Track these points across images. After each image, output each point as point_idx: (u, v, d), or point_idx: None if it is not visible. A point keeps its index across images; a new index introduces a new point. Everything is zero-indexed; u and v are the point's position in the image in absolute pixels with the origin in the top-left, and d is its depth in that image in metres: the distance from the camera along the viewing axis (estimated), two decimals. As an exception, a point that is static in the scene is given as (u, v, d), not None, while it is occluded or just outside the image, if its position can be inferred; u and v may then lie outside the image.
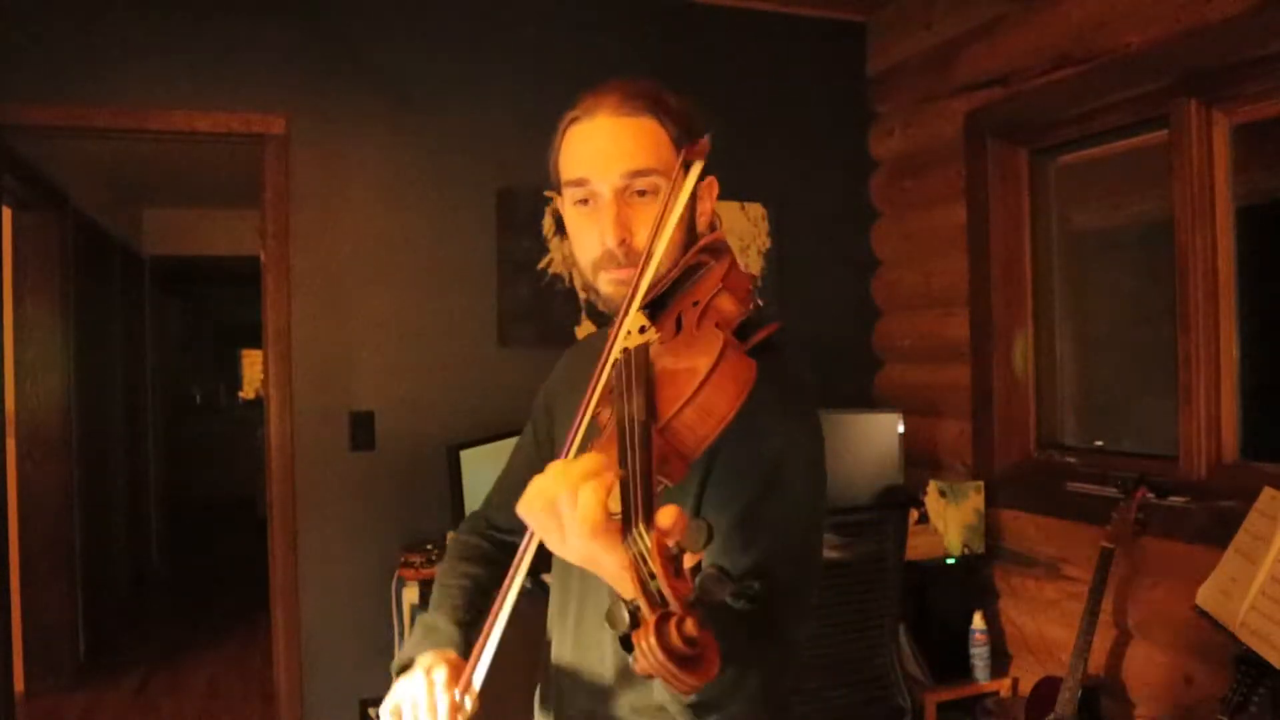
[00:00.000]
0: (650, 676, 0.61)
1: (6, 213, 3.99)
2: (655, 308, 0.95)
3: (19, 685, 3.75)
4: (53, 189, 4.08)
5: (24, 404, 3.99)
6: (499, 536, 1.32)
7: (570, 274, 3.15)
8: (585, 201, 1.06)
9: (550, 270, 3.14)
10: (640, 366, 0.80)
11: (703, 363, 0.78)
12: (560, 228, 3.14)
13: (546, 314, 3.12)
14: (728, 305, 0.92)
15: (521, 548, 0.93)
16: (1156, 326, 2.61)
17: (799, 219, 3.46)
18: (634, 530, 0.65)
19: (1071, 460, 2.86)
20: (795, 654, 0.96)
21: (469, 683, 1.00)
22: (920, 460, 3.29)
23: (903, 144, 3.41)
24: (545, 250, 3.13)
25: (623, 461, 0.72)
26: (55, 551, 4.14)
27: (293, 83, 2.91)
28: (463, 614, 1.17)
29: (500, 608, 0.98)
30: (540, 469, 1.25)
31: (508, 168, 3.08)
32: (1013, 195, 3.01)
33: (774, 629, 0.91)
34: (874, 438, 3.11)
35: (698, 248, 1.01)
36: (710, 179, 1.10)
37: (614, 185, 1.03)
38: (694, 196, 1.06)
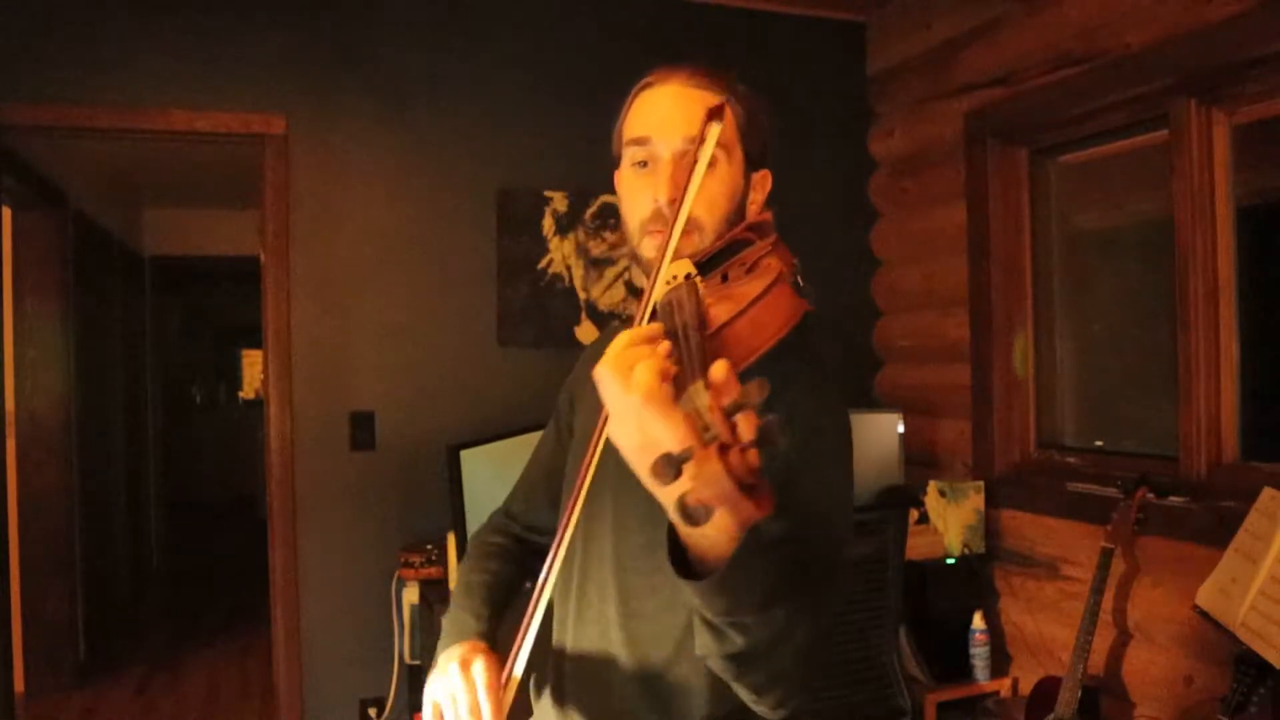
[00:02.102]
0: (692, 513, 0.64)
1: (6, 213, 3.99)
2: (702, 271, 0.98)
3: (19, 685, 3.75)
4: (53, 189, 4.08)
5: (24, 404, 3.99)
6: (522, 533, 1.34)
7: (569, 273, 3.15)
8: (644, 164, 1.09)
9: (550, 270, 3.14)
10: (691, 293, 0.85)
11: (757, 282, 0.83)
12: (560, 228, 3.13)
13: (546, 314, 3.12)
14: (774, 265, 0.94)
15: (560, 528, 0.95)
16: (1156, 326, 2.61)
17: (799, 219, 3.44)
18: (690, 388, 0.68)
19: (1071, 460, 2.86)
20: (828, 624, 0.98)
21: (509, 672, 1.02)
22: (920, 460, 3.29)
23: (903, 144, 3.41)
24: (545, 250, 3.13)
25: (677, 357, 0.76)
26: (55, 551, 4.14)
27: (293, 83, 2.91)
28: (485, 608, 1.18)
29: (541, 590, 0.99)
30: (562, 461, 1.27)
31: (508, 168, 3.08)
32: (1013, 195, 3.01)
33: (812, 592, 0.92)
34: (874, 438, 3.11)
35: (745, 224, 1.05)
36: (765, 172, 1.15)
37: (674, 147, 1.05)
38: (746, 184, 1.11)
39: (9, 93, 2.66)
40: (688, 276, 0.93)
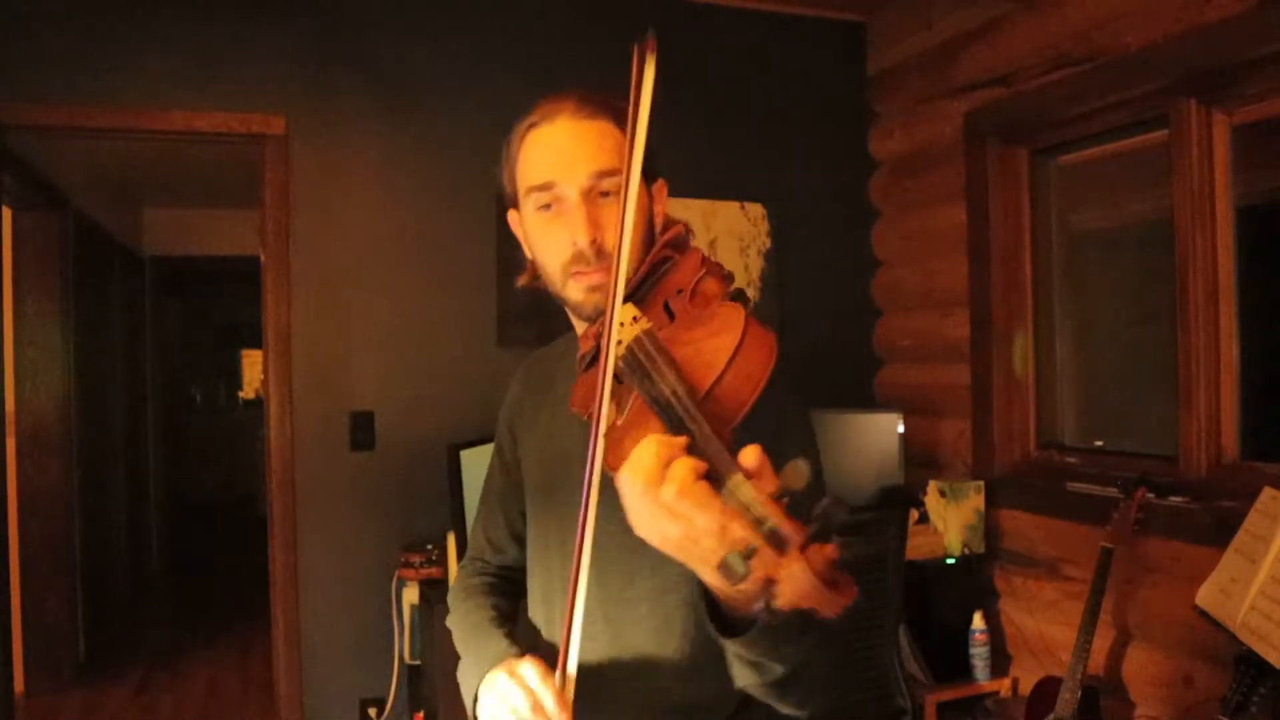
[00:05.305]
0: (784, 617, 0.65)
1: (6, 213, 3.99)
2: (638, 303, 0.97)
3: (19, 685, 3.76)
4: (53, 189, 4.08)
5: (24, 404, 3.99)
6: (500, 570, 1.33)
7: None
8: (549, 206, 1.07)
9: (550, 270, 3.13)
10: (658, 348, 0.83)
11: (729, 333, 0.81)
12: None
13: (546, 314, 3.09)
14: (715, 288, 0.94)
15: (581, 513, 0.90)
16: (1156, 326, 2.61)
17: (799, 219, 3.46)
18: (730, 481, 0.68)
19: (1071, 460, 2.86)
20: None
21: (564, 669, 0.95)
22: (920, 460, 3.29)
23: (903, 144, 3.41)
24: (545, 250, 3.13)
25: (677, 433, 0.75)
26: (55, 551, 4.14)
27: (293, 83, 2.90)
28: (505, 629, 1.16)
29: (576, 581, 0.93)
30: (516, 497, 1.26)
31: (508, 168, 3.07)
32: (1013, 195, 3.01)
33: None
34: (874, 438, 3.11)
35: (663, 241, 1.03)
36: (661, 181, 1.12)
37: (581, 186, 1.04)
38: (650, 198, 1.08)
39: (9, 93, 2.66)
40: (635, 319, 0.90)
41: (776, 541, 0.64)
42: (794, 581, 0.63)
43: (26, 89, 2.67)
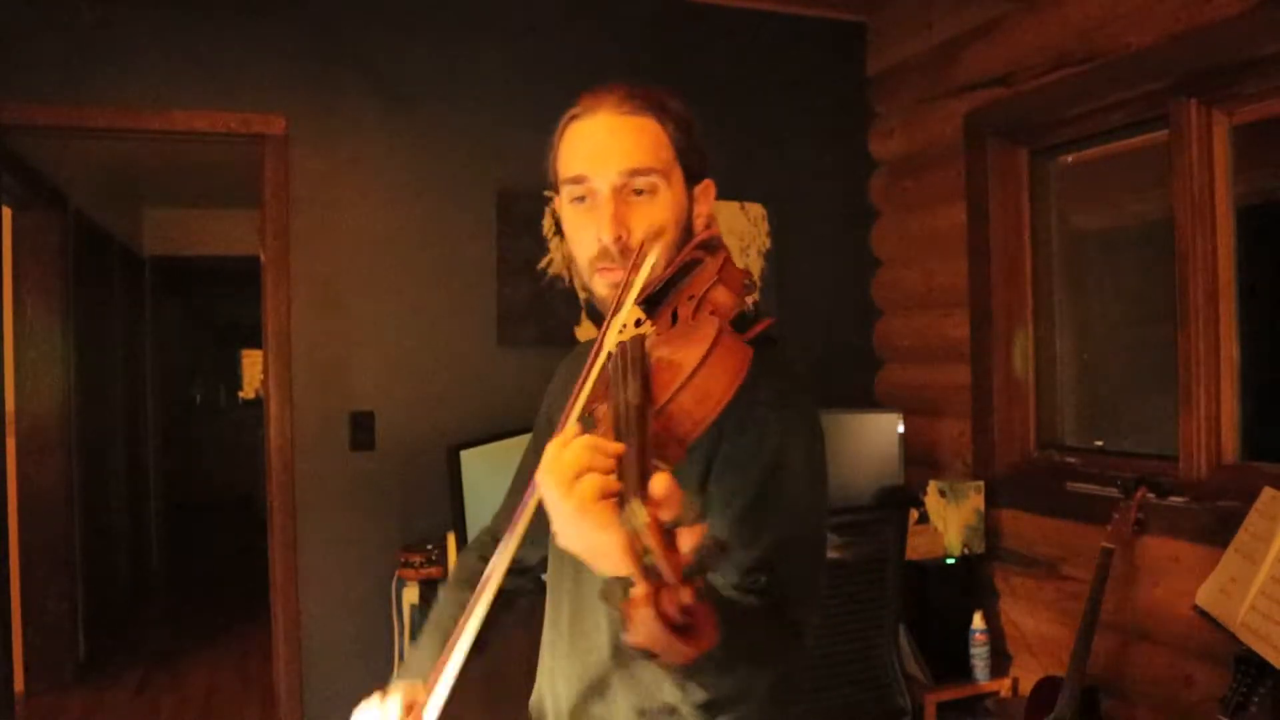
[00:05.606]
0: (645, 653, 0.63)
1: (6, 213, 3.99)
2: (651, 303, 0.97)
3: (19, 685, 3.76)
4: (53, 189, 4.08)
5: (24, 404, 3.99)
6: None
7: (569, 273, 3.15)
8: (583, 199, 1.06)
9: (550, 270, 3.14)
10: (635, 356, 0.82)
11: (697, 348, 0.79)
12: (560, 228, 3.13)
13: (546, 314, 3.12)
14: (723, 297, 0.93)
15: (484, 577, 0.96)
16: (1156, 326, 2.61)
17: (799, 219, 3.46)
18: (629, 506, 0.66)
19: (1071, 460, 2.86)
20: (806, 646, 0.96)
21: (419, 717, 1.03)
22: (920, 460, 3.29)
23: (903, 144, 3.41)
24: (545, 250, 3.13)
25: (621, 450, 0.74)
26: (55, 551, 4.14)
27: (293, 83, 2.90)
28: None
29: (458, 637, 0.98)
30: None
31: (508, 168, 3.07)
32: (1013, 195, 3.01)
33: (784, 621, 0.91)
34: (874, 438, 3.11)
35: (692, 245, 1.02)
36: (707, 182, 1.10)
37: (612, 182, 1.03)
38: (690, 199, 1.08)
39: (9, 93, 2.66)
40: (638, 322, 0.91)
41: (653, 576, 0.62)
42: (643, 623, 0.60)
43: (26, 89, 2.67)
